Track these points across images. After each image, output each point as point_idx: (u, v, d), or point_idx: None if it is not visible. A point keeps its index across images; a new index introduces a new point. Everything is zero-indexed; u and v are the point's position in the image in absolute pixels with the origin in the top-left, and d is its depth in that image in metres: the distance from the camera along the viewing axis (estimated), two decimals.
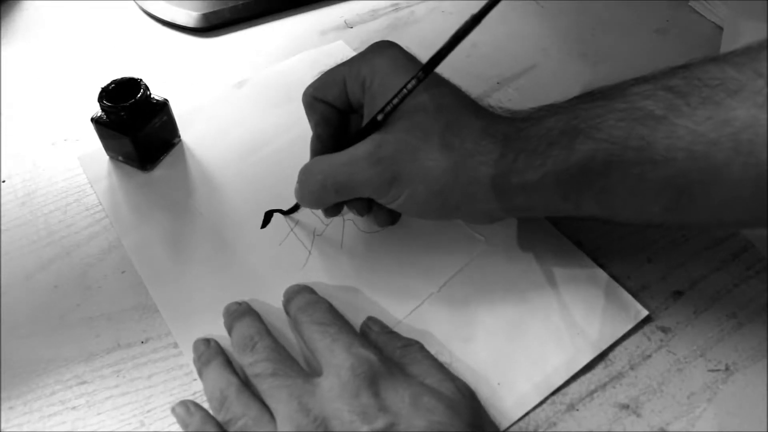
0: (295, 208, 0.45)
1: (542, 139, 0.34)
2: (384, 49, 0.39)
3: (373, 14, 0.63)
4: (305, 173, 0.40)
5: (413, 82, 0.35)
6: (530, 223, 0.44)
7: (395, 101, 0.36)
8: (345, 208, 0.43)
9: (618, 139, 0.33)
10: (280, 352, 0.36)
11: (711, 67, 0.32)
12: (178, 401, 0.36)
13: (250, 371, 0.35)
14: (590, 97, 0.35)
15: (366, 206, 0.41)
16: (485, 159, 0.35)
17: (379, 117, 0.36)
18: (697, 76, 0.32)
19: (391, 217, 0.42)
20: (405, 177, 0.36)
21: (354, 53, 0.57)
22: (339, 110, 0.41)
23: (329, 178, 0.38)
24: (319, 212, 0.45)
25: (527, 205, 0.36)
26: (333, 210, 0.42)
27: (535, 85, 0.54)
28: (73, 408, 0.37)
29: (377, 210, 0.42)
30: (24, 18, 0.64)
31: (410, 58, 0.39)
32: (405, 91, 0.35)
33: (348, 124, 0.42)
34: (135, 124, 0.46)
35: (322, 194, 0.39)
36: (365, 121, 0.39)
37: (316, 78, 0.42)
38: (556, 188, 0.35)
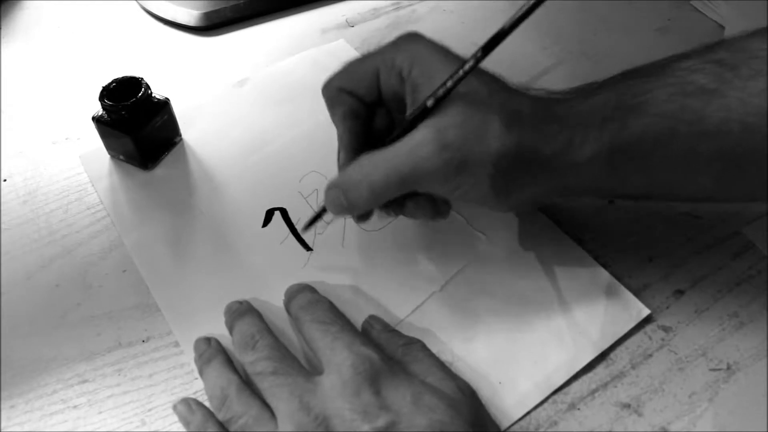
0: (316, 219, 0.42)
1: (595, 114, 0.34)
2: (416, 38, 0.38)
3: (375, 13, 0.63)
4: (361, 171, 0.36)
5: (471, 62, 0.33)
6: (531, 221, 0.44)
7: (450, 84, 0.33)
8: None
9: (671, 113, 0.33)
10: (281, 351, 0.36)
11: (754, 40, 0.33)
12: (179, 399, 0.36)
13: (250, 370, 0.35)
14: (634, 74, 0.35)
15: (400, 205, 0.39)
16: (544, 137, 0.34)
17: (429, 102, 0.34)
18: (741, 48, 0.33)
19: (434, 209, 0.39)
20: (473, 161, 0.34)
21: (355, 52, 0.58)
22: (366, 103, 0.39)
23: (393, 172, 0.35)
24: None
25: (577, 183, 0.36)
26: (370, 213, 0.39)
27: (536, 84, 0.54)
28: (75, 407, 0.37)
29: (414, 207, 0.38)
30: (24, 17, 0.64)
31: (443, 47, 0.37)
32: (461, 73, 0.33)
33: (373, 120, 0.40)
34: (136, 123, 0.46)
35: (385, 190, 0.35)
36: (410, 110, 0.37)
37: (338, 70, 0.39)
38: (608, 164, 0.35)
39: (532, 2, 0.31)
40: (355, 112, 0.39)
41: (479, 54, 0.33)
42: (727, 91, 0.32)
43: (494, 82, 0.36)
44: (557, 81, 0.55)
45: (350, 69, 0.39)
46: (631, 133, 0.34)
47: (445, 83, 0.34)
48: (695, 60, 0.34)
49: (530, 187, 0.36)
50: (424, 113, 0.35)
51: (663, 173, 0.35)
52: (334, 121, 0.39)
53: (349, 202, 0.36)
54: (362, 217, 0.40)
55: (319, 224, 0.44)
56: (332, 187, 0.37)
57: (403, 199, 0.38)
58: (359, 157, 0.36)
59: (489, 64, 0.34)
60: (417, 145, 0.34)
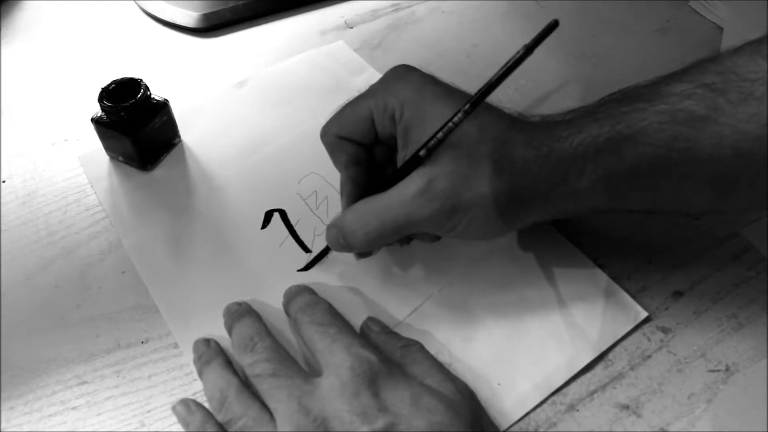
0: (321, 256, 0.43)
1: (589, 146, 0.34)
2: (406, 76, 0.38)
3: (374, 14, 0.63)
4: (357, 219, 0.37)
5: (460, 115, 0.34)
6: None
7: (440, 136, 0.35)
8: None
9: (663, 141, 0.33)
10: (280, 353, 0.36)
11: (744, 60, 0.33)
12: (178, 400, 0.36)
13: (250, 371, 0.35)
14: (628, 100, 0.35)
15: (407, 238, 0.41)
16: (537, 174, 0.35)
17: (422, 153, 0.35)
18: (732, 71, 0.33)
19: (434, 237, 0.41)
20: (463, 207, 0.35)
21: (354, 53, 0.58)
22: (365, 146, 0.40)
23: (388, 222, 0.36)
24: (322, 215, 0.45)
25: (575, 209, 0.37)
26: (369, 252, 0.41)
27: (535, 85, 0.54)
28: (74, 408, 0.37)
29: (420, 236, 0.40)
30: (24, 18, 0.64)
31: (434, 80, 0.38)
32: (451, 125, 0.34)
33: (374, 157, 0.41)
34: (135, 124, 0.46)
35: (381, 237, 0.37)
36: (401, 152, 0.38)
37: (333, 114, 0.40)
38: (605, 192, 0.35)
39: (516, 57, 0.32)
40: (355, 159, 0.40)
41: (468, 108, 0.34)
42: (718, 118, 0.32)
43: (486, 115, 0.36)
44: (556, 81, 0.55)
45: (345, 114, 0.40)
46: (626, 163, 0.34)
47: (435, 135, 0.35)
48: (686, 84, 0.34)
49: (528, 218, 0.37)
50: (417, 161, 0.36)
51: (660, 196, 0.36)
52: (336, 167, 0.41)
53: (347, 244, 0.38)
54: (363, 254, 0.41)
55: (318, 225, 0.44)
56: (332, 227, 0.39)
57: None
58: (357, 203, 0.38)
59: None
60: (409, 196, 0.36)
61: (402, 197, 0.36)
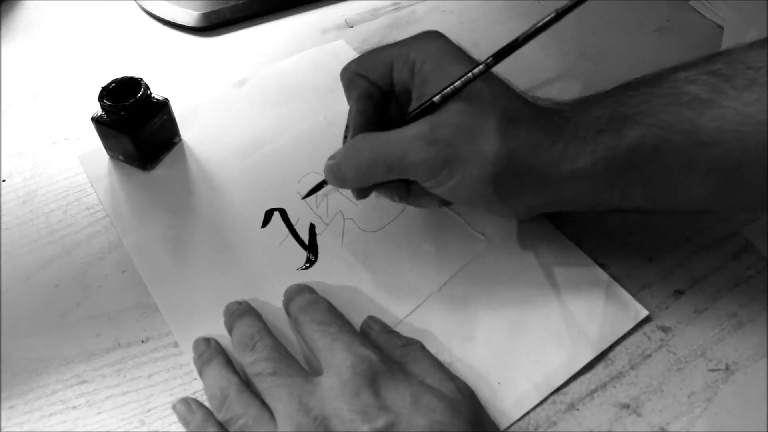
0: (317, 188, 0.44)
1: (591, 125, 0.35)
2: (434, 37, 0.39)
3: (374, 13, 0.63)
4: (353, 149, 0.38)
5: (481, 67, 0.34)
6: (531, 222, 0.44)
7: (458, 84, 0.35)
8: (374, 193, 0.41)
9: (665, 123, 0.33)
10: (281, 352, 0.36)
11: (751, 52, 0.33)
12: (179, 399, 0.36)
13: (250, 370, 0.35)
14: (633, 86, 0.36)
15: (405, 191, 0.40)
16: (538, 146, 0.35)
17: (437, 99, 0.36)
18: (738, 60, 0.33)
19: (438, 199, 0.40)
20: (460, 159, 0.35)
21: (355, 53, 0.58)
22: (379, 89, 0.40)
23: (381, 155, 0.37)
24: (322, 213, 0.45)
25: (574, 195, 0.37)
26: (367, 191, 0.40)
27: (536, 84, 0.54)
28: (74, 407, 0.37)
29: (419, 194, 0.40)
30: (24, 17, 0.64)
31: (460, 49, 0.39)
32: (471, 75, 0.35)
33: (386, 106, 0.41)
34: (135, 123, 0.46)
35: (371, 171, 0.38)
36: (414, 103, 0.39)
37: (357, 56, 0.41)
38: (604, 176, 0.35)
39: (546, 20, 0.32)
40: (368, 94, 0.40)
41: (490, 61, 0.34)
42: (721, 102, 0.32)
43: (500, 87, 0.37)
44: (556, 81, 0.55)
45: (367, 56, 0.41)
46: (627, 144, 0.34)
47: (453, 83, 0.35)
48: (692, 71, 0.34)
49: (524, 196, 0.37)
50: (429, 108, 0.36)
51: (660, 185, 0.35)
52: (349, 102, 0.41)
53: (341, 175, 0.39)
54: (360, 193, 0.41)
55: (319, 224, 0.44)
56: (331, 158, 0.39)
57: (407, 185, 0.40)
58: (359, 134, 0.38)
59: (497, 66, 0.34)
60: (410, 135, 0.36)
61: (402, 136, 0.36)
